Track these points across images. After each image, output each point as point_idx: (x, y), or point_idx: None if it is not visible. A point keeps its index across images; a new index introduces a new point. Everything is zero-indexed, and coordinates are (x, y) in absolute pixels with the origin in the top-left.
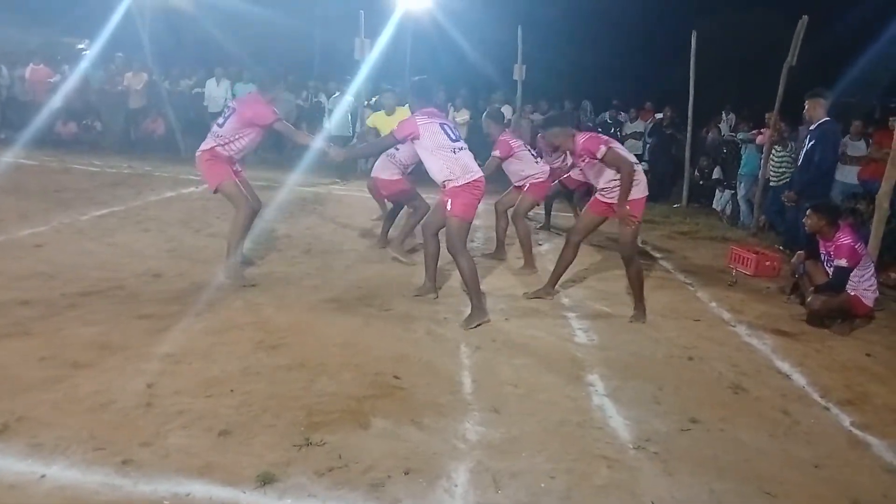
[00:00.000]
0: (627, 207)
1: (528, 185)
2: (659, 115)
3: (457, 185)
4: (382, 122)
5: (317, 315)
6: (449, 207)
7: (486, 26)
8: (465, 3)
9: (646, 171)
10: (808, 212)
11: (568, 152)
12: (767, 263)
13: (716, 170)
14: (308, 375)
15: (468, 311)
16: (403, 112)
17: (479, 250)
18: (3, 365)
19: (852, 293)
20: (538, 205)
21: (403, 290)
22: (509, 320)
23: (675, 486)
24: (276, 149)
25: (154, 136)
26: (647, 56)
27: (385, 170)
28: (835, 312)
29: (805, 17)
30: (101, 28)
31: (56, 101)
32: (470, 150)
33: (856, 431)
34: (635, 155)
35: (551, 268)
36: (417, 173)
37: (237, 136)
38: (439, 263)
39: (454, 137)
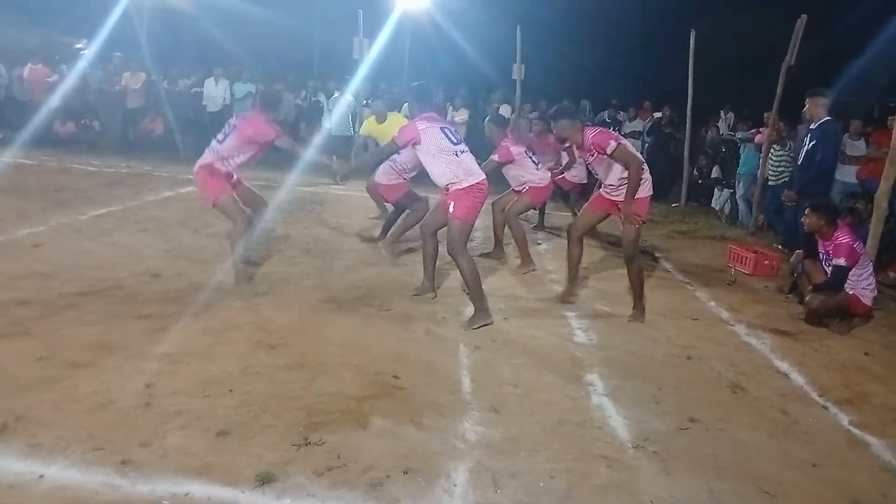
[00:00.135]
0: (633, 206)
1: (527, 188)
2: (658, 115)
3: (460, 188)
4: (376, 130)
5: (316, 315)
6: (451, 210)
7: (485, 26)
8: (464, 2)
9: None
10: (806, 211)
11: (574, 147)
12: (766, 263)
13: (714, 169)
14: (307, 375)
15: (467, 310)
16: (395, 118)
17: (477, 250)
18: (2, 365)
19: (851, 292)
20: (534, 208)
21: (403, 290)
22: (509, 320)
23: (674, 486)
24: (276, 149)
25: (152, 135)
26: (647, 56)
27: (385, 175)
28: (833, 311)
29: (804, 17)
30: (99, 28)
31: (54, 100)
32: (469, 150)
33: (854, 430)
34: None
35: (550, 266)
36: (417, 174)
37: (237, 153)
38: (438, 263)
39: (455, 141)
